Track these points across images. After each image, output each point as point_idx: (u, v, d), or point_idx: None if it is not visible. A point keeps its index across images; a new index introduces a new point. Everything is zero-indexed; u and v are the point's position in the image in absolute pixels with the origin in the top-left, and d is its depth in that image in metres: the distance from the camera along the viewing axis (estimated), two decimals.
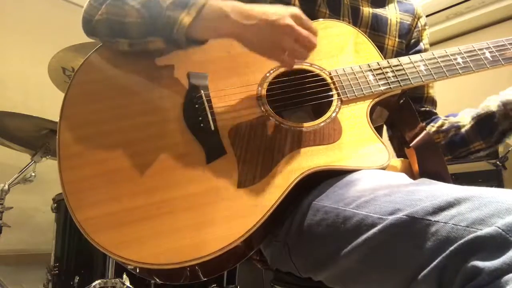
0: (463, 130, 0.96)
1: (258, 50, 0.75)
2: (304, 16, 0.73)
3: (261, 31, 0.72)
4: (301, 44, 0.72)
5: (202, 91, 0.79)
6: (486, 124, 0.93)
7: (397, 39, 1.02)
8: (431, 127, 1.03)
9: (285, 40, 0.71)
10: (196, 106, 0.78)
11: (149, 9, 0.75)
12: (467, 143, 0.96)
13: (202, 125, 0.76)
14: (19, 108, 1.76)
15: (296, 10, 0.73)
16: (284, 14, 0.71)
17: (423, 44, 1.07)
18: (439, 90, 1.10)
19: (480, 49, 0.88)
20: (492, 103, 0.93)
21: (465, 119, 0.97)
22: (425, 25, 1.10)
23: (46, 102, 2.36)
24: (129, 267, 0.67)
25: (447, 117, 1.03)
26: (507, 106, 0.89)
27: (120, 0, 0.77)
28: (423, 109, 1.07)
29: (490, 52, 0.88)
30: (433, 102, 1.09)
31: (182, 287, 1.53)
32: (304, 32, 0.72)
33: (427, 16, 1.14)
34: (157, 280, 0.74)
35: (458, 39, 3.24)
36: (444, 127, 1.00)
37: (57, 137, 0.74)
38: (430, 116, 1.07)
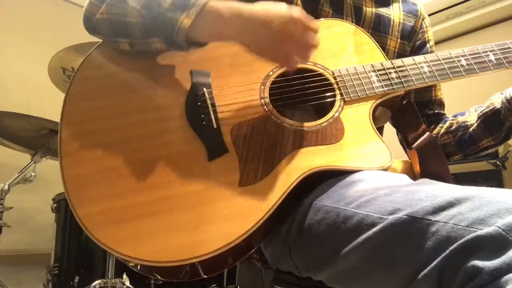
0: (471, 129, 0.97)
1: (258, 53, 0.74)
2: (305, 18, 0.72)
3: (261, 35, 0.71)
4: (302, 46, 0.72)
5: (204, 89, 0.79)
6: (492, 121, 0.93)
7: (399, 40, 1.02)
8: (440, 128, 1.04)
9: (285, 44, 0.71)
10: (199, 103, 0.78)
11: (149, 10, 0.74)
12: (476, 142, 0.97)
13: (204, 123, 0.76)
14: (19, 108, 1.76)
15: (297, 12, 0.71)
16: (285, 17, 0.70)
17: (429, 47, 1.07)
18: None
19: (484, 52, 0.88)
20: (496, 100, 0.93)
21: (472, 118, 0.98)
22: (429, 25, 1.10)
23: (46, 102, 2.36)
24: (129, 264, 0.67)
25: (455, 117, 1.04)
26: (511, 102, 0.89)
27: (120, 0, 0.77)
28: (431, 112, 1.08)
29: (494, 54, 0.87)
30: (441, 104, 1.10)
31: (183, 286, 1.54)
32: (304, 36, 0.71)
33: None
34: (158, 277, 0.74)
35: (458, 39, 3.24)
36: (452, 128, 1.01)
37: (58, 133, 0.74)
38: (439, 118, 1.07)
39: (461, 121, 1.00)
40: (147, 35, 0.76)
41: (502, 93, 0.93)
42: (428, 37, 1.08)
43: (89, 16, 0.80)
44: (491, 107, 0.93)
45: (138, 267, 0.69)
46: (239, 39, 0.74)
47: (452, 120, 1.03)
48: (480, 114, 0.95)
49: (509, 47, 0.89)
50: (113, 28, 0.79)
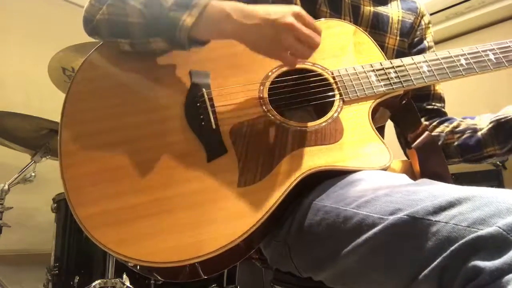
0: (479, 133, 0.93)
1: (259, 50, 0.74)
2: (306, 15, 0.72)
3: (262, 30, 0.71)
4: (303, 42, 0.72)
5: (204, 89, 0.79)
6: (504, 128, 0.90)
7: (398, 38, 1.02)
8: (446, 127, 1.01)
9: (286, 38, 0.71)
10: (198, 104, 0.78)
11: (151, 9, 0.75)
12: (481, 148, 0.93)
13: (203, 123, 0.76)
14: (19, 108, 1.76)
15: (298, 8, 0.72)
16: (286, 12, 0.71)
17: (427, 42, 1.06)
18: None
19: (484, 51, 0.87)
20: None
21: (482, 123, 0.95)
22: (428, 23, 1.09)
23: (46, 102, 2.35)
24: (129, 264, 0.67)
25: (464, 119, 1.00)
26: None
27: (121, 0, 0.77)
28: (430, 107, 1.05)
29: (494, 53, 0.87)
30: (440, 99, 1.07)
31: (183, 286, 1.54)
32: (306, 30, 0.71)
33: None
34: (158, 277, 0.74)
35: (458, 39, 3.24)
36: (459, 128, 0.98)
37: (58, 134, 0.74)
38: (439, 114, 1.05)
39: (470, 123, 0.97)
40: (147, 35, 0.76)
41: None
42: (426, 34, 1.07)
43: (89, 17, 0.80)
44: (506, 115, 0.90)
45: (138, 268, 0.69)
46: (240, 36, 0.74)
47: (461, 121, 1.00)
48: (494, 119, 0.92)
49: (509, 46, 0.88)
50: (113, 29, 0.79)
